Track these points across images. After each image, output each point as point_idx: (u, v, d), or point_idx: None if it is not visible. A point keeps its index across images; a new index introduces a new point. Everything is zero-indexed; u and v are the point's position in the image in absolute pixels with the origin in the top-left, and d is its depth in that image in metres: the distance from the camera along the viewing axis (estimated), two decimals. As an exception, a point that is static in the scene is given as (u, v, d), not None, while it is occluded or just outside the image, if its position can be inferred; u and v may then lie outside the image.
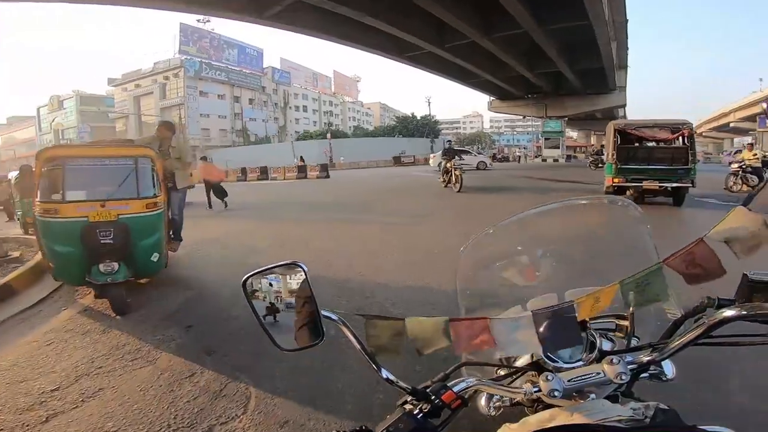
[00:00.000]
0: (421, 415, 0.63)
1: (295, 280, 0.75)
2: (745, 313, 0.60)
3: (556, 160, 35.68)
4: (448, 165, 12.97)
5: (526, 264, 1.01)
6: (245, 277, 0.74)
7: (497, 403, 0.76)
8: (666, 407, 0.61)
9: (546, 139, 38.86)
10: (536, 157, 40.88)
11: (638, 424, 0.59)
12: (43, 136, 54.09)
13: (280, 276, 0.75)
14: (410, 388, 0.67)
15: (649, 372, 0.71)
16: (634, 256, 0.89)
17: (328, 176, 23.83)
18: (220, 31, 53.39)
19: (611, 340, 0.81)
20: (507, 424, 0.64)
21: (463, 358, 0.83)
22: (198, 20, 50.81)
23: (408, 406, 0.65)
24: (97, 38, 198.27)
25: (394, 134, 61.92)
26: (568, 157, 38.29)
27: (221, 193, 11.52)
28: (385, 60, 25.15)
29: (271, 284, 0.75)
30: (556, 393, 0.64)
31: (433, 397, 0.65)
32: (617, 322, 0.85)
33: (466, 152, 25.88)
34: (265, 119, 58.30)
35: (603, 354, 0.71)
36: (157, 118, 49.37)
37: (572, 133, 60.65)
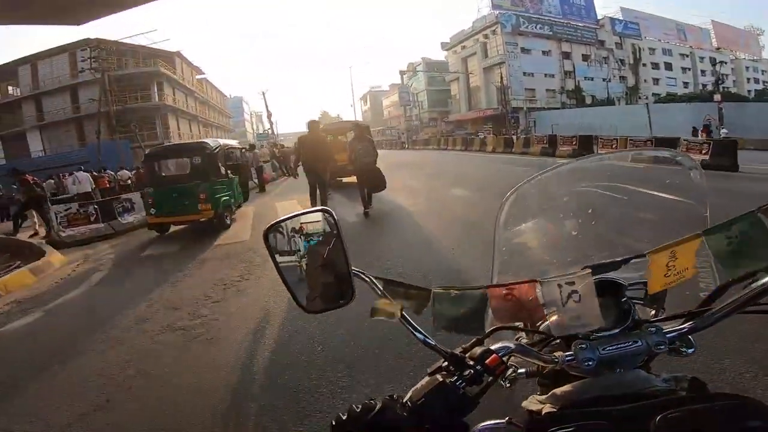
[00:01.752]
0: (460, 382, 0.58)
1: (324, 232, 0.66)
2: None
3: None
4: None
5: (564, 225, 0.86)
6: (268, 226, 0.66)
7: (512, 374, 0.68)
8: (697, 379, 0.59)
9: None
10: None
11: (675, 395, 0.56)
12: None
13: (308, 227, 0.67)
14: (449, 352, 0.61)
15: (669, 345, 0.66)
16: (686, 221, 0.75)
17: (734, 167, 10.07)
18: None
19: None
20: (534, 395, 0.63)
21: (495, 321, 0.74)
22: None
23: (443, 373, 0.60)
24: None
25: None
26: None
27: (375, 186, 7.64)
28: None
29: (297, 236, 0.67)
30: (589, 363, 0.59)
31: (473, 363, 0.59)
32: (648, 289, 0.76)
33: None
34: (606, 78, 45.27)
35: (636, 322, 0.64)
36: (480, 78, 47.49)
37: None
